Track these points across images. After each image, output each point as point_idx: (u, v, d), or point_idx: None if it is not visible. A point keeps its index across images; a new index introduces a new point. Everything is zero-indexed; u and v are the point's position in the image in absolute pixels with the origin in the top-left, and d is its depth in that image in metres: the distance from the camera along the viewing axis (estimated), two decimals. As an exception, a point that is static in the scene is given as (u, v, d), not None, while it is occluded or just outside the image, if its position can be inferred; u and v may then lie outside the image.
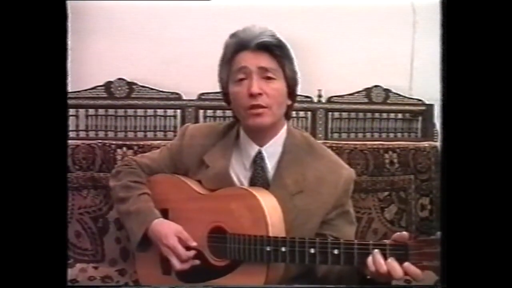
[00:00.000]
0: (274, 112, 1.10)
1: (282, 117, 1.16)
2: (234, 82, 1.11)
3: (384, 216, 1.72)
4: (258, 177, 1.14)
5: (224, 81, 1.15)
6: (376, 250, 0.94)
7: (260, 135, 1.15)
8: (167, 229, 1.13)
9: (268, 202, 1.07)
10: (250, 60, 1.09)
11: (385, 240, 0.96)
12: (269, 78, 1.09)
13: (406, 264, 0.91)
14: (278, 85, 1.10)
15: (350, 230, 1.17)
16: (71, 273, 1.52)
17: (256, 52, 1.09)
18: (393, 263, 0.92)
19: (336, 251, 0.97)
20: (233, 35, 1.13)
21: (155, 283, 1.21)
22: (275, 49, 1.09)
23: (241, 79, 1.10)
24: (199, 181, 1.19)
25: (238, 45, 1.11)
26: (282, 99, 1.12)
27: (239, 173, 1.17)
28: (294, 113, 1.78)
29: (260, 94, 1.07)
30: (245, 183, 1.15)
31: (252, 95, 1.07)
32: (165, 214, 1.19)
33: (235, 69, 1.11)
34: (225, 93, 1.17)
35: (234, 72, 1.11)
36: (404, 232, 0.94)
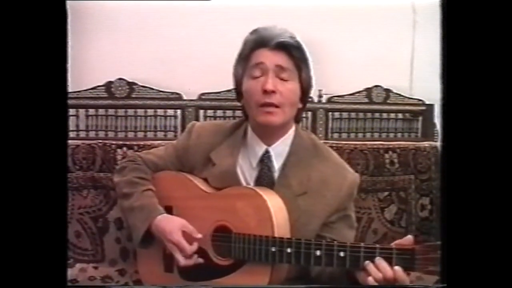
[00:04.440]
0: (285, 112, 1.10)
1: (292, 118, 1.15)
2: (249, 78, 1.11)
3: (384, 216, 1.72)
4: (264, 177, 1.14)
5: (239, 77, 1.15)
6: (378, 257, 0.94)
7: (268, 134, 1.15)
8: (171, 225, 1.12)
9: (274, 203, 1.07)
10: (268, 58, 1.09)
11: (392, 244, 0.96)
12: (284, 77, 1.09)
13: (397, 268, 0.92)
14: (293, 86, 1.10)
15: (350, 234, 1.17)
16: (71, 273, 1.52)
17: (274, 51, 1.09)
18: (398, 269, 0.93)
19: (342, 254, 0.97)
20: (253, 32, 1.13)
21: (157, 280, 1.21)
22: (294, 50, 1.10)
23: (257, 75, 1.10)
24: (205, 179, 1.19)
25: (257, 42, 1.11)
26: (294, 100, 1.12)
27: (246, 171, 1.17)
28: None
29: (274, 92, 1.07)
30: (251, 182, 1.15)
31: (266, 92, 1.07)
32: (169, 211, 1.19)
33: (251, 65, 1.11)
34: (238, 90, 1.17)
35: (250, 67, 1.11)
36: (409, 236, 0.95)
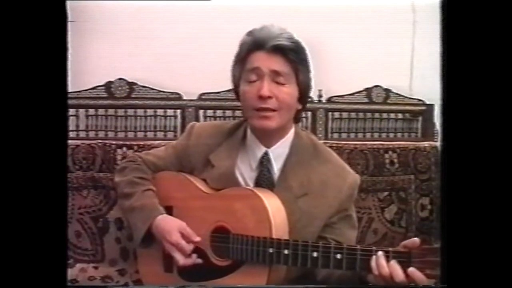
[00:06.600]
0: (281, 116, 1.09)
1: (290, 120, 1.15)
2: (245, 82, 1.11)
3: (384, 216, 1.72)
4: (264, 178, 1.14)
5: (236, 79, 1.14)
6: (380, 252, 0.94)
7: (267, 136, 1.14)
8: (170, 225, 1.13)
9: (272, 204, 1.07)
10: (264, 62, 1.08)
11: (389, 248, 0.96)
12: (281, 81, 1.08)
13: (411, 269, 0.90)
14: (289, 90, 1.09)
15: (352, 234, 1.17)
16: (71, 273, 1.52)
17: (270, 54, 1.08)
18: (395, 265, 0.92)
19: (338, 256, 0.97)
20: (250, 33, 1.12)
21: (157, 280, 1.21)
22: (290, 53, 1.08)
23: (253, 80, 1.09)
24: (205, 180, 1.19)
25: (253, 44, 1.10)
26: (292, 103, 1.11)
27: (245, 173, 1.16)
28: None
29: (270, 97, 1.07)
30: (251, 184, 1.15)
31: (261, 97, 1.07)
32: (169, 211, 1.19)
33: (247, 69, 1.10)
34: (236, 91, 1.16)
35: (247, 71, 1.10)
36: (415, 238, 0.94)
